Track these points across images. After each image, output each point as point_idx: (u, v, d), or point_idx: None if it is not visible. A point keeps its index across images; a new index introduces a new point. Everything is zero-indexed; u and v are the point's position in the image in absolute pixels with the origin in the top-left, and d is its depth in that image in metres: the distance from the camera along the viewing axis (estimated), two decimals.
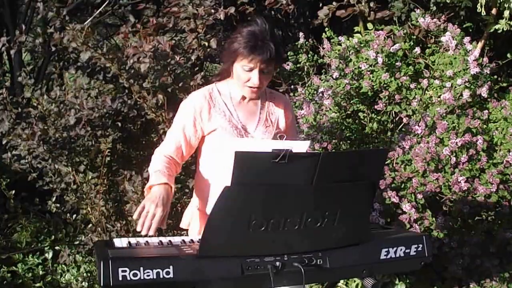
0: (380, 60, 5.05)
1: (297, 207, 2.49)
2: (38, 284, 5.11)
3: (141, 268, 2.33)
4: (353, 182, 2.57)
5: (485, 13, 5.46)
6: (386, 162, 4.75)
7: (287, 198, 2.46)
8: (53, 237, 5.68)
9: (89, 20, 5.84)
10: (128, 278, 2.31)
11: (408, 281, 4.96)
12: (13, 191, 5.05)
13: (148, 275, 2.34)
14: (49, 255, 5.30)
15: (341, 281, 4.98)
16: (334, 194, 2.55)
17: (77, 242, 5.29)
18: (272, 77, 3.18)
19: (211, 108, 3.16)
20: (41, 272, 5.22)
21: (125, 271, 2.31)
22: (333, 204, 2.56)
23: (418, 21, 5.56)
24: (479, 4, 5.36)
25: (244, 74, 3.06)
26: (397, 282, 4.92)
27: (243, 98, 3.23)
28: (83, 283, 4.97)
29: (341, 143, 5.14)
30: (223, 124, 3.15)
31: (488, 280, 4.90)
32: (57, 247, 5.37)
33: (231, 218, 2.42)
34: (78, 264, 5.17)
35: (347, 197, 2.60)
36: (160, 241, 2.80)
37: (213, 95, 3.21)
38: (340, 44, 5.63)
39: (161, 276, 2.35)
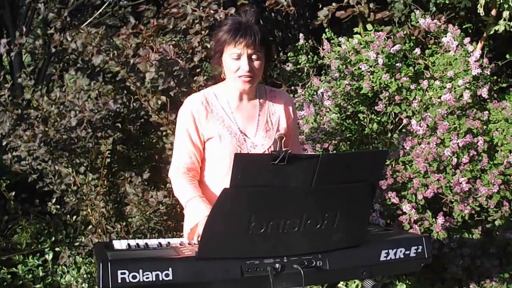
0: (380, 61, 5.04)
1: (297, 209, 2.49)
2: (38, 286, 5.11)
3: (140, 270, 2.34)
4: (352, 183, 2.57)
5: (484, 14, 5.46)
6: (387, 163, 4.75)
7: (286, 200, 2.46)
8: (53, 238, 5.68)
9: (88, 21, 5.84)
10: (127, 280, 2.32)
11: (408, 282, 4.96)
12: (13, 193, 5.04)
13: (148, 277, 2.34)
14: (49, 256, 5.29)
15: (341, 282, 4.97)
16: (333, 195, 2.55)
17: (77, 244, 5.29)
18: (264, 67, 3.12)
19: (208, 113, 3.13)
20: (41, 274, 5.22)
21: (124, 273, 2.32)
22: (332, 206, 2.56)
23: (418, 22, 5.55)
24: (479, 5, 5.35)
25: (233, 63, 3.03)
26: (397, 283, 4.92)
27: (241, 99, 3.20)
28: (83, 285, 4.97)
29: (341, 144, 5.14)
30: (221, 132, 3.11)
31: (488, 281, 4.91)
32: (57, 249, 5.37)
33: (230, 220, 2.42)
34: (78, 265, 5.17)
35: (347, 198, 2.60)
36: (159, 243, 2.81)
37: (209, 99, 3.17)
38: (340, 45, 5.62)
39: (160, 278, 2.36)
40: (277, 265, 2.52)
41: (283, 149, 2.42)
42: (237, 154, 2.33)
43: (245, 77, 3.03)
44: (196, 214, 2.97)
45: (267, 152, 3.15)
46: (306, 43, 6.02)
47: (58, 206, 4.92)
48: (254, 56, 3.02)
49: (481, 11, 5.39)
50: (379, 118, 5.23)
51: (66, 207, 4.96)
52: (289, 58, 6.03)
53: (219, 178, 3.11)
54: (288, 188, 2.45)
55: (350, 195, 2.60)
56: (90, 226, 4.86)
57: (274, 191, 2.43)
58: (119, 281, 2.31)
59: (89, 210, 4.78)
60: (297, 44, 6.08)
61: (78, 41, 4.44)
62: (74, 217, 4.94)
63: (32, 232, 5.75)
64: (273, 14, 8.04)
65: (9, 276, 5.15)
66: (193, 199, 3.03)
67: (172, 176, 3.20)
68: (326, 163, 2.44)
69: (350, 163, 2.59)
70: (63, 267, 5.20)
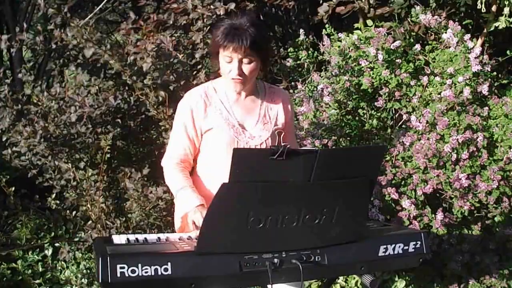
0: (380, 57, 5.04)
1: (295, 204, 2.50)
2: (37, 281, 5.11)
3: (139, 265, 2.35)
4: (351, 179, 2.57)
5: (485, 10, 5.45)
6: (387, 159, 4.75)
7: (285, 195, 2.47)
8: (53, 233, 5.69)
9: (89, 16, 5.83)
10: (126, 275, 2.33)
11: (407, 278, 4.96)
12: (13, 188, 5.03)
13: (146, 272, 2.35)
14: (49, 251, 5.29)
15: (341, 277, 4.97)
16: (332, 191, 2.55)
17: (76, 239, 5.29)
18: (259, 69, 3.15)
19: (207, 106, 3.17)
20: (40, 269, 5.22)
21: (123, 267, 2.33)
22: (331, 201, 2.56)
23: (418, 18, 5.54)
24: (479, 1, 5.35)
25: (226, 65, 3.07)
26: (396, 279, 4.92)
27: (239, 93, 3.23)
28: (83, 280, 4.97)
29: (341, 139, 5.14)
30: (220, 123, 3.15)
31: (487, 277, 4.90)
32: (57, 244, 5.37)
33: (229, 215, 2.43)
34: (77, 261, 5.17)
35: (345, 194, 2.60)
36: (158, 237, 2.82)
37: (208, 93, 3.22)
38: (340, 41, 5.61)
39: (159, 273, 2.37)
40: (275, 260, 2.53)
41: (282, 144, 2.41)
42: (236, 149, 2.33)
43: (236, 80, 3.07)
44: (186, 204, 3.05)
45: (264, 143, 3.20)
46: (307, 39, 6.01)
47: (58, 202, 4.91)
48: (245, 60, 3.05)
49: (482, 7, 5.38)
50: (379, 114, 5.23)
51: (66, 203, 4.96)
52: (290, 54, 6.02)
53: (214, 169, 3.17)
54: (286, 183, 2.46)
55: (349, 190, 2.60)
56: (90, 222, 4.86)
57: (272, 186, 2.43)
58: (118, 275, 2.32)
59: (88, 205, 4.78)
60: (297, 40, 6.07)
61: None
62: (74, 212, 4.95)
63: (31, 227, 5.76)
64: (273, 9, 8.02)
65: (8, 271, 5.16)
66: (184, 189, 3.10)
67: (164, 165, 3.26)
68: (324, 158, 2.44)
69: (348, 158, 2.60)
70: (63, 262, 5.20)
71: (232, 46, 2.98)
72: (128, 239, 2.76)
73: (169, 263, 2.39)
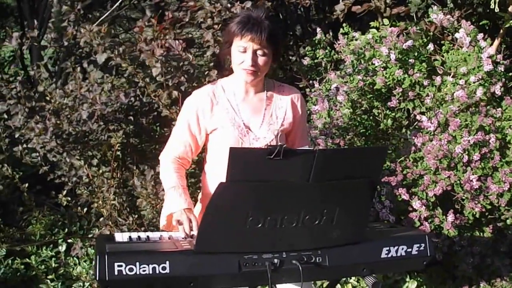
0: (393, 56, 5.00)
1: (294, 205, 2.49)
2: (50, 276, 5.15)
3: (137, 263, 2.35)
4: (351, 179, 2.55)
5: (498, 10, 5.39)
6: (400, 159, 4.72)
7: (283, 195, 2.46)
8: (66, 230, 5.73)
9: (106, 14, 5.87)
10: (124, 273, 2.33)
11: (419, 279, 4.94)
12: (27, 184, 5.07)
13: (144, 270, 2.36)
14: (63, 248, 5.34)
15: (353, 277, 4.96)
16: (331, 192, 2.53)
17: (90, 235, 5.32)
18: (270, 64, 3.15)
19: (213, 105, 3.17)
20: (54, 265, 5.27)
21: (121, 266, 2.33)
22: (331, 202, 2.55)
23: (433, 18, 5.50)
24: (492, 0, 5.29)
25: (239, 55, 3.06)
26: (408, 279, 4.90)
27: (247, 92, 3.22)
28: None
29: (355, 139, 5.12)
30: (225, 123, 3.15)
31: (498, 280, 4.87)
32: (70, 240, 5.41)
33: (227, 214, 2.42)
34: (90, 257, 5.21)
35: (346, 195, 2.58)
36: (161, 236, 2.83)
37: (216, 92, 3.21)
38: (356, 40, 5.57)
39: (157, 272, 2.37)
40: (275, 260, 2.52)
41: (279, 144, 2.40)
42: (232, 148, 2.33)
43: (249, 71, 3.06)
44: (174, 204, 3.10)
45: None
46: (324, 38, 5.97)
47: (69, 198, 4.94)
48: (259, 52, 3.05)
49: (495, 7, 5.32)
50: (393, 114, 5.19)
51: (80, 199, 4.99)
52: (308, 53, 5.99)
53: (220, 169, 3.11)
54: (285, 183, 2.44)
55: (349, 192, 2.58)
56: (102, 219, 4.89)
57: (271, 186, 2.42)
58: (116, 273, 2.32)
59: (100, 202, 4.80)
60: (314, 39, 6.05)
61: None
62: (85, 209, 4.98)
63: (46, 223, 5.81)
64: (292, 8, 7.99)
65: (22, 266, 5.22)
66: (175, 188, 3.13)
67: (162, 159, 3.29)
68: (323, 158, 2.42)
69: (348, 159, 2.57)
70: (75, 258, 5.25)
71: (250, 35, 3.00)
72: (130, 237, 2.76)
73: (167, 262, 2.39)
